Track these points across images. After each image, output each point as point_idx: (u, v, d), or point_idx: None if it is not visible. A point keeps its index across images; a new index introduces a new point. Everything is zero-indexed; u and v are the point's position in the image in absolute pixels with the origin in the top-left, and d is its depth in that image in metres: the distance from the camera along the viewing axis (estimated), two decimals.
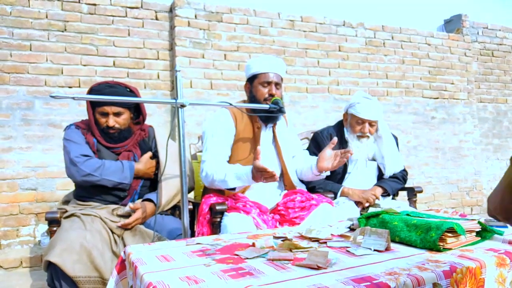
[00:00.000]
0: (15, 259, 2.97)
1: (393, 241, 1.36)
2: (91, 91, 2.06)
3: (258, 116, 2.20)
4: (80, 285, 1.73)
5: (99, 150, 2.10)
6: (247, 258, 1.20)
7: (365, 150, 2.57)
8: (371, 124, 2.55)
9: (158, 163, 2.18)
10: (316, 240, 1.41)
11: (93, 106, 2.10)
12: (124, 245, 1.90)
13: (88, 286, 1.74)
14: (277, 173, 2.23)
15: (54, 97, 1.53)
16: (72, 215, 1.95)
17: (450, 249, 1.25)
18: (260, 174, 1.83)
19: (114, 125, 2.07)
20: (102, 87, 2.07)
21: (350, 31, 4.50)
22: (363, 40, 4.55)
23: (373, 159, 2.67)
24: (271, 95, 2.16)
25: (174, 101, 1.73)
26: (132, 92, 2.14)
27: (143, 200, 2.08)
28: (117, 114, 2.08)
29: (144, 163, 2.13)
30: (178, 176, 2.17)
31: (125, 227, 1.96)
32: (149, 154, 2.17)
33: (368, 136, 2.56)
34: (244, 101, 2.34)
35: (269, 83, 2.18)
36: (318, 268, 1.06)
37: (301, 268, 1.09)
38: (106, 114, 2.07)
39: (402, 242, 1.33)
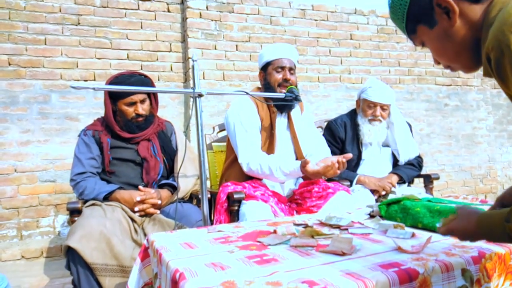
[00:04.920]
0: (36, 249, 3.03)
1: (415, 227, 1.36)
2: (111, 84, 2.08)
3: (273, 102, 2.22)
4: (96, 272, 1.75)
5: (114, 147, 2.13)
6: (270, 245, 1.19)
7: (377, 133, 2.56)
8: (382, 108, 2.55)
9: (172, 160, 2.25)
10: (337, 227, 1.41)
11: (115, 99, 2.12)
12: (145, 235, 1.93)
13: (104, 274, 1.76)
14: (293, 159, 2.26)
15: (75, 87, 1.55)
16: (93, 204, 1.99)
17: None
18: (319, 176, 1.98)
19: (142, 112, 2.13)
20: (123, 78, 2.10)
21: (361, 19, 4.45)
22: (374, 27, 4.49)
23: (387, 146, 2.66)
24: (286, 80, 2.18)
25: (192, 90, 1.75)
26: (148, 78, 2.19)
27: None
28: (142, 101, 2.14)
29: (129, 195, 2.04)
30: (194, 173, 2.24)
31: (144, 212, 2.02)
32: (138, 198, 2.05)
33: (380, 120, 2.55)
34: (258, 89, 2.35)
35: (282, 68, 2.20)
36: (343, 254, 1.06)
37: (326, 254, 1.08)
38: (133, 104, 2.11)
39: (425, 228, 1.32)
